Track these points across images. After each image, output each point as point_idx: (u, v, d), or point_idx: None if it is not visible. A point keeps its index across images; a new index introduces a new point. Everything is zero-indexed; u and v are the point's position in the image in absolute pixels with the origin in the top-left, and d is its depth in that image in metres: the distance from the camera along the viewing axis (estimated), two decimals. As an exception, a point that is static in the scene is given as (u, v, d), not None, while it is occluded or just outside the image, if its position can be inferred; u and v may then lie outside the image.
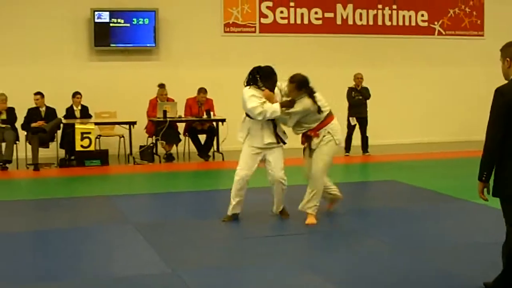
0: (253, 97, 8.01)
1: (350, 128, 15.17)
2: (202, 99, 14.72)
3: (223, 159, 14.46)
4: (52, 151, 14.15)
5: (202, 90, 14.74)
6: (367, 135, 15.30)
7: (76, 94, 14.44)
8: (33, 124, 13.62)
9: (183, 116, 14.64)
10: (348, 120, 15.13)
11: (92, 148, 13.53)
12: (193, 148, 14.87)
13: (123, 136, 14.79)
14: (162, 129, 14.09)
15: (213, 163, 14.37)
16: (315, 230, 7.90)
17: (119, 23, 15.75)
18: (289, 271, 6.18)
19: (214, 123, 14.72)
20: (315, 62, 16.69)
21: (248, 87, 8.22)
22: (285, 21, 17.01)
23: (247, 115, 8.14)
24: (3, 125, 13.54)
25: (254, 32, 16.78)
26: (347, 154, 15.10)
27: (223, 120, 14.54)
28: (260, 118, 7.93)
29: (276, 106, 7.91)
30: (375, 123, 15.68)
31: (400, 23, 17.85)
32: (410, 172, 12.79)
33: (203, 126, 14.77)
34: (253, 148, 8.16)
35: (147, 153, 14.40)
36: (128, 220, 8.56)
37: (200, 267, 6.31)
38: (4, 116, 13.64)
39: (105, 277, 6.09)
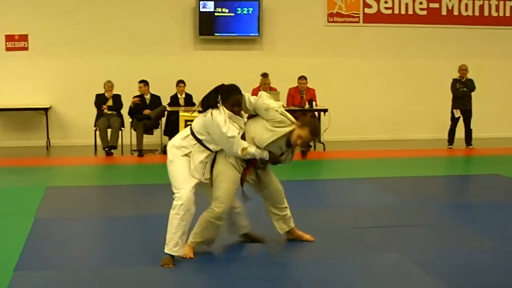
0: (229, 123, 6.18)
1: (454, 121, 14.95)
2: (302, 86, 14.73)
3: (324, 149, 14.46)
4: (156, 138, 14.47)
5: (302, 77, 14.77)
6: (471, 127, 15.02)
7: (179, 83, 14.70)
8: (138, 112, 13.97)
9: (285, 105, 14.70)
10: (452, 112, 14.93)
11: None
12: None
13: (226, 124, 14.99)
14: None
15: (314, 153, 14.36)
16: (420, 223, 7.84)
17: (224, 12, 15.92)
18: (395, 262, 6.19)
19: (316, 113, 14.72)
20: (418, 53, 16.56)
21: (215, 109, 6.23)
22: (389, 11, 16.82)
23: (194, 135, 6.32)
24: (109, 112, 13.91)
25: (358, 22, 16.65)
26: (450, 146, 14.89)
27: (325, 110, 14.53)
28: (238, 154, 6.20)
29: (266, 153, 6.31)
30: (480, 115, 15.39)
31: (507, 14, 17.41)
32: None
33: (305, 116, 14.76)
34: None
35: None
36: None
37: (306, 258, 6.38)
38: (110, 103, 14.02)
39: (209, 261, 6.21)
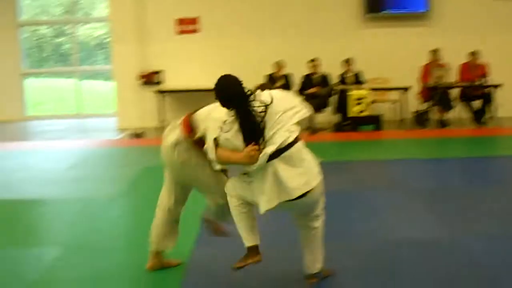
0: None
1: None
2: (474, 62, 14.34)
3: (498, 125, 14.04)
4: (327, 117, 14.54)
5: (473, 53, 14.36)
6: None
7: (348, 61, 14.68)
8: (307, 91, 14.06)
9: (456, 81, 14.38)
10: None
11: (366, 113, 13.72)
12: (467, 114, 14.57)
13: (396, 102, 14.87)
14: (436, 94, 13.98)
15: (488, 129, 13.97)
16: None
17: (391, -12, 15.78)
18: None
19: (488, 89, 14.30)
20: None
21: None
22: None
23: None
24: (281, 91, 14.08)
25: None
26: None
27: (497, 86, 14.08)
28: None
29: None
30: None
31: None
32: None
33: (477, 91, 14.40)
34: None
35: (421, 119, 14.34)
36: (402, 185, 8.59)
37: (483, 235, 6.18)
38: (281, 82, 14.18)
39: (384, 240, 6.12)
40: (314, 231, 4.85)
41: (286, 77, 14.25)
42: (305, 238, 4.90)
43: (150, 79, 15.83)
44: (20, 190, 8.85)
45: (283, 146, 4.44)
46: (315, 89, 14.15)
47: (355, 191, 8.27)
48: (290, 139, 4.48)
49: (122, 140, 13.87)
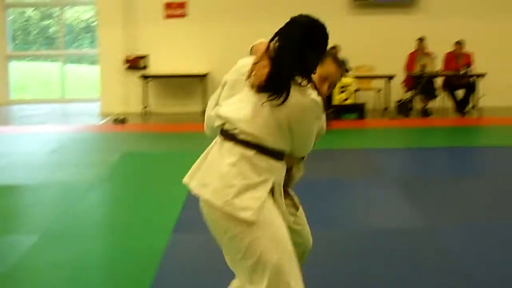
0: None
1: None
2: (458, 52, 14.38)
3: (480, 115, 14.07)
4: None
5: (458, 43, 14.40)
6: None
7: (333, 48, 14.64)
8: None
9: (441, 70, 14.40)
10: None
11: (350, 101, 13.73)
12: (450, 103, 14.61)
13: (380, 90, 14.89)
14: (420, 83, 14.00)
15: (470, 119, 14.01)
16: None
17: (379, -25, 15.76)
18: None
19: (472, 78, 14.33)
20: None
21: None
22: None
23: None
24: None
25: (519, -16, 16.01)
26: None
27: (482, 75, 14.11)
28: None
29: None
30: None
31: None
32: None
33: (461, 81, 14.43)
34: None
35: (404, 108, 14.37)
36: (385, 174, 8.63)
37: (457, 223, 6.23)
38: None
39: (364, 228, 6.18)
40: None
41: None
42: None
43: (135, 63, 15.78)
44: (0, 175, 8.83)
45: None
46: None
47: (335, 179, 8.30)
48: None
49: (104, 126, 13.83)
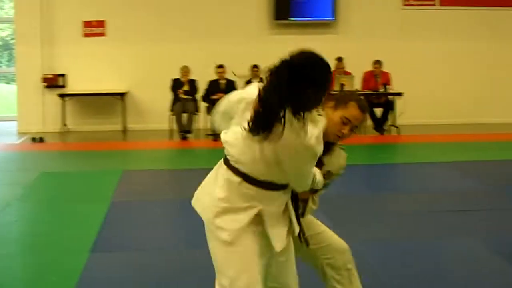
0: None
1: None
2: (377, 71, 14.65)
3: (399, 133, 14.33)
4: (232, 123, 14.53)
5: (377, 62, 14.66)
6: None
7: (254, 67, 14.73)
8: (213, 97, 14.06)
9: (360, 89, 14.62)
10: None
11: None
12: (369, 121, 14.83)
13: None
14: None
15: (389, 137, 14.25)
16: (498, 208, 7.71)
17: (299, -3, 15.93)
18: (471, 246, 6.12)
19: (391, 97, 14.60)
20: (497, 36, 16.25)
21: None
22: (467, -7, 16.51)
23: None
24: (185, 96, 14.05)
25: (434, 5, 16.39)
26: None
27: (399, 94, 14.40)
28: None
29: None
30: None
31: None
32: None
33: (379, 99, 14.68)
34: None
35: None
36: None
37: (374, 239, 6.34)
38: (186, 88, 14.15)
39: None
40: None
41: (191, 82, 14.21)
42: None
43: (53, 82, 15.53)
44: None
45: None
46: (221, 95, 14.10)
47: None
48: None
49: (21, 145, 13.56)
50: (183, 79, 14.19)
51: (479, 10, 16.35)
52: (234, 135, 3.28)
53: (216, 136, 13.46)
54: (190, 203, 3.52)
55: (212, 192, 3.34)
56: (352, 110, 3.66)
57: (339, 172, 3.78)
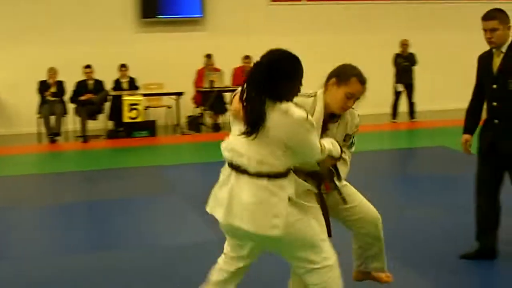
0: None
1: (396, 95, 15.09)
2: (247, 66, 14.77)
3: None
4: (101, 123, 14.35)
5: (247, 57, 14.76)
6: (414, 101, 15.16)
7: (122, 66, 14.58)
8: (81, 97, 13.83)
9: (230, 85, 14.70)
10: (395, 87, 15.06)
11: (140, 119, 13.68)
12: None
13: (170, 107, 14.95)
14: (209, 99, 14.21)
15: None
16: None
17: (166, -6, 15.87)
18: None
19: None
20: (359, 28, 16.68)
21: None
22: (332, -11, 16.89)
23: None
24: (53, 98, 13.75)
25: (301, 0, 16.67)
26: (394, 120, 15.04)
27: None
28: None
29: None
30: (425, 89, 15.60)
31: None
32: (458, 138, 12.62)
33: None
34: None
35: (194, 123, 14.52)
36: (176, 190, 8.68)
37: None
38: (53, 89, 13.85)
39: (154, 246, 6.19)
40: None
41: (59, 83, 13.90)
42: None
43: None
44: None
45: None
46: (89, 96, 13.90)
47: (124, 199, 8.23)
48: None
49: None
50: (50, 81, 13.87)
51: (341, 4, 16.77)
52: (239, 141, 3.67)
53: (86, 138, 13.29)
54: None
55: (247, 202, 3.61)
56: (354, 85, 4.03)
57: (355, 130, 4.22)
